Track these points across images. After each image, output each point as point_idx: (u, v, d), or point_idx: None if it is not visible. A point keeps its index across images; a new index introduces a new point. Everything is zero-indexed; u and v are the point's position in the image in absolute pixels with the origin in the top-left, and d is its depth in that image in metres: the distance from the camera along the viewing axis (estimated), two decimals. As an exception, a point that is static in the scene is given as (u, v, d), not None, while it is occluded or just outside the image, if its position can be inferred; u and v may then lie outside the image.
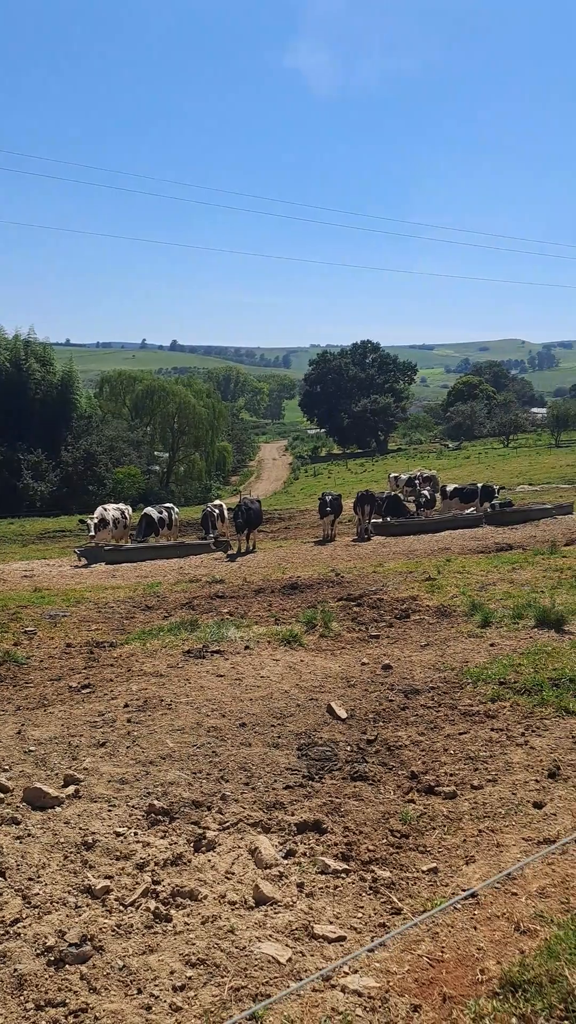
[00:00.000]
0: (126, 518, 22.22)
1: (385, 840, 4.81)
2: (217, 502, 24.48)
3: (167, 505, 23.78)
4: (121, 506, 22.92)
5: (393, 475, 31.75)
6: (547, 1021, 3.02)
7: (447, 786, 5.48)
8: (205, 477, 64.51)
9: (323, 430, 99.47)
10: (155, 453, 62.62)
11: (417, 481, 28.49)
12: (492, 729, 6.48)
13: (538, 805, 5.12)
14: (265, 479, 70.53)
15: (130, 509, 23.46)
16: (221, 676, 8.11)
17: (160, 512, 21.99)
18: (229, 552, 19.74)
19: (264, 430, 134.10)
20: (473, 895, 4.08)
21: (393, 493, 25.65)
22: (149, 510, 22.03)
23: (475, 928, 3.82)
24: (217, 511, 21.98)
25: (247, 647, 9.14)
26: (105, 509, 21.71)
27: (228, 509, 21.83)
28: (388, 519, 22.85)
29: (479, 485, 25.28)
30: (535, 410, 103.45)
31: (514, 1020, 3.06)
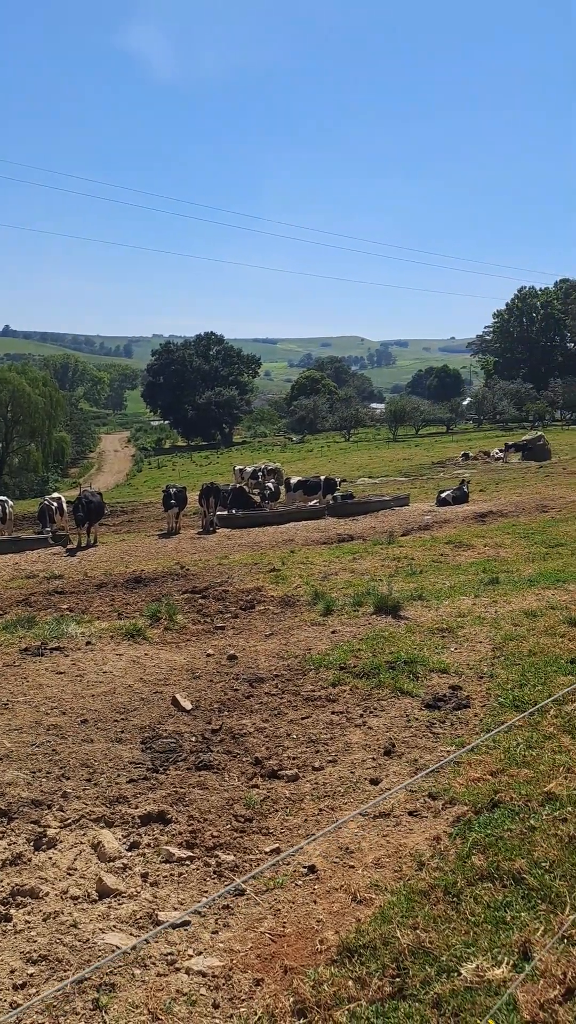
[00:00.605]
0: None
1: (229, 825, 4.91)
2: (55, 495, 23.70)
3: (0, 498, 22.78)
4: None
5: (238, 467, 31.97)
6: (380, 980, 3.22)
7: (290, 769, 5.66)
8: (42, 469, 62.23)
9: (167, 422, 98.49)
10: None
11: (260, 474, 28.86)
12: (333, 712, 6.73)
13: (375, 782, 5.39)
14: (107, 471, 68.99)
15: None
16: (61, 673, 7.93)
17: (-8, 506, 21.05)
18: (69, 547, 19.19)
19: (105, 421, 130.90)
20: (313, 870, 4.25)
21: (239, 485, 25.86)
22: (-20, 504, 21.02)
23: (315, 902, 3.99)
24: (55, 504, 21.29)
25: (89, 643, 8.98)
26: None
27: (68, 502, 21.21)
28: (234, 511, 23.01)
29: (322, 478, 25.90)
30: (374, 405, 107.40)
31: (350, 983, 3.23)
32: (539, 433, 45.11)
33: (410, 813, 4.88)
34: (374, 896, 3.96)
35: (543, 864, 3.98)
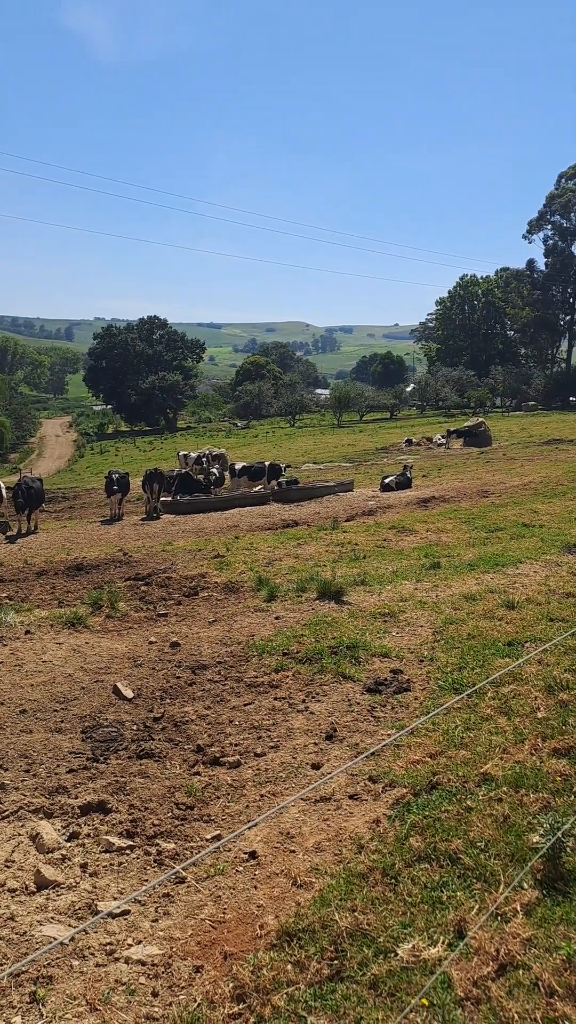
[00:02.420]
0: None
1: (171, 813, 4.90)
2: (-5, 481, 23.21)
3: None
4: None
5: (182, 453, 31.69)
6: (319, 963, 3.26)
7: (232, 756, 5.67)
8: (-20, 455, 60.82)
9: (110, 406, 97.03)
10: None
11: (205, 460, 28.69)
12: (275, 698, 6.75)
13: (316, 766, 5.43)
14: (48, 456, 67.69)
15: None
16: None
17: None
18: (8, 533, 18.82)
19: (46, 405, 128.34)
20: (254, 856, 4.27)
21: (184, 471, 25.67)
22: None
23: (256, 887, 4.01)
24: (-5, 490, 20.85)
25: (28, 632, 8.83)
26: None
27: (7, 488, 20.78)
28: (178, 497, 22.85)
29: (267, 463, 25.90)
30: (319, 391, 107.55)
31: (289, 967, 3.26)
32: (480, 419, 45.79)
33: (351, 797, 4.93)
34: (314, 880, 3.99)
35: (479, 844, 4.06)
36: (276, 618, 9.16)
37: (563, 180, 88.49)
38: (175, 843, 4.54)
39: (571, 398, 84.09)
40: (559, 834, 3.80)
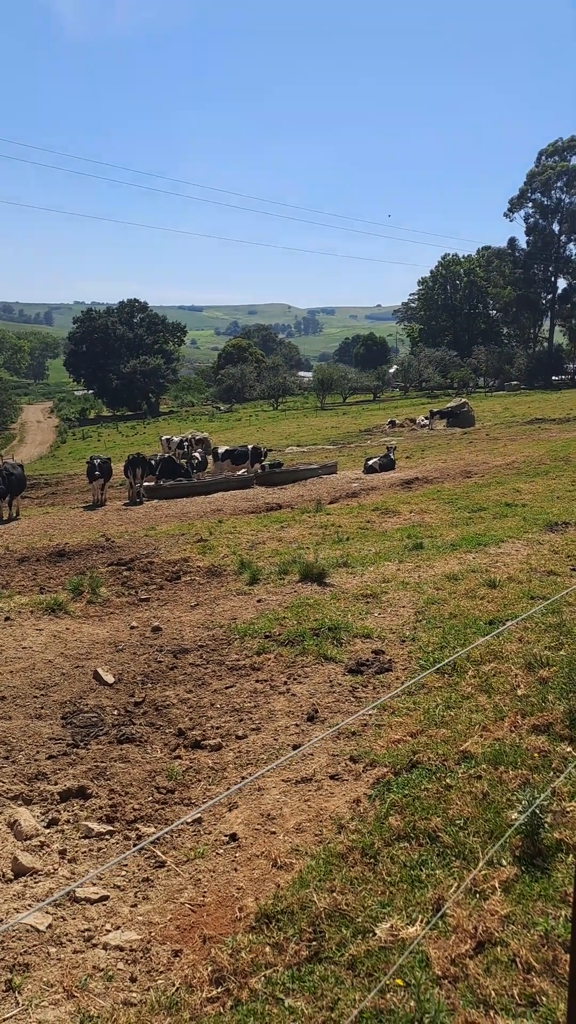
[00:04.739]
0: None
1: (151, 798, 4.88)
2: (-24, 468, 22.98)
3: None
4: None
5: (165, 437, 31.50)
6: (297, 945, 3.25)
7: (213, 739, 5.65)
8: (-39, 441, 60.25)
9: (91, 391, 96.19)
10: None
11: (187, 444, 28.55)
12: (257, 681, 6.74)
13: (297, 747, 5.41)
14: (29, 443, 67.16)
15: None
16: (-20, 650, 7.72)
17: None
18: (-9, 520, 18.70)
19: (27, 391, 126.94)
20: (235, 838, 4.26)
21: (167, 455, 25.55)
22: None
23: (236, 870, 4.00)
24: (-24, 477, 20.65)
25: (7, 618, 8.76)
26: None
27: (-11, 475, 20.59)
28: (162, 482, 22.75)
29: (250, 447, 25.81)
30: (302, 374, 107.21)
31: (267, 949, 3.25)
32: (463, 400, 45.77)
33: (331, 777, 4.93)
34: (294, 861, 3.99)
35: (458, 822, 4.06)
36: (258, 601, 9.13)
37: (543, 158, 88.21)
38: (155, 827, 4.52)
39: (553, 377, 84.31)
40: (535, 809, 3.80)
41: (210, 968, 3.21)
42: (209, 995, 3.07)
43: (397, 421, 44.49)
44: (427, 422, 41.74)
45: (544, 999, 2.89)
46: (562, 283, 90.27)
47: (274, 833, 4.32)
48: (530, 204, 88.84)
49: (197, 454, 26.31)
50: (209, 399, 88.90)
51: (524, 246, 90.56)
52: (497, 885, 3.51)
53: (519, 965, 3.04)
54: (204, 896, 3.78)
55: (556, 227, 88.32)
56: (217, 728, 5.85)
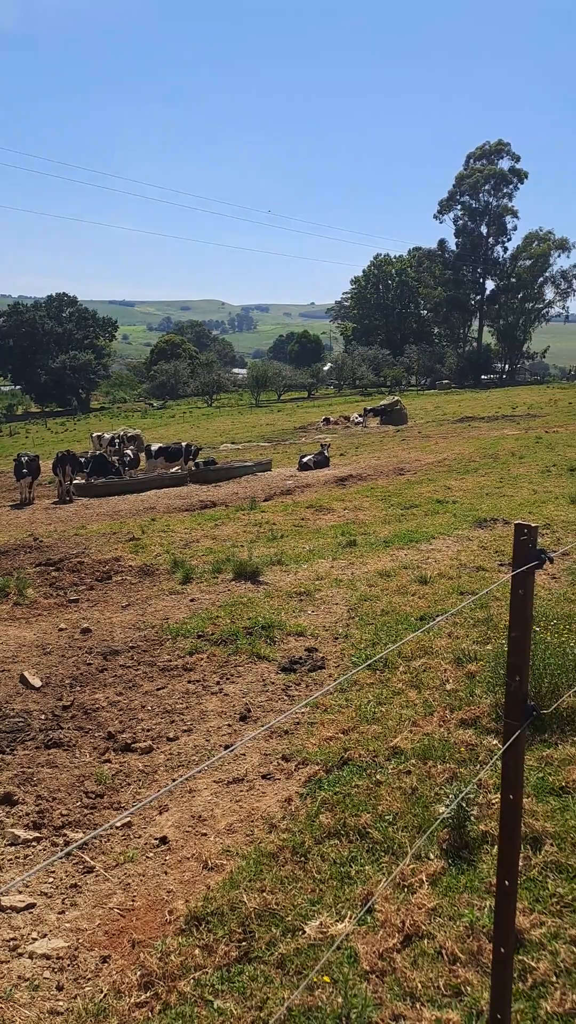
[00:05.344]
0: None
1: (80, 803, 4.80)
2: None
3: None
4: None
5: (96, 434, 30.97)
6: (227, 946, 3.24)
7: (144, 742, 5.59)
8: None
9: (18, 387, 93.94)
10: None
11: (119, 441, 28.16)
12: (189, 681, 6.69)
13: (229, 748, 5.40)
14: (-44, 441, 65.36)
15: None
16: None
17: None
18: None
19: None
20: (165, 841, 4.22)
21: (98, 453, 25.14)
22: None
23: (166, 873, 3.96)
24: None
25: None
26: None
27: None
28: (93, 480, 22.38)
29: (184, 444, 25.60)
30: (236, 371, 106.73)
31: (197, 951, 3.24)
32: (396, 398, 46.31)
33: (264, 777, 4.93)
34: (225, 862, 3.98)
35: (387, 817, 4.12)
36: (191, 600, 9.08)
37: (472, 161, 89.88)
38: (84, 832, 4.45)
39: (483, 376, 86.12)
40: (462, 802, 3.88)
41: (139, 973, 3.18)
42: (138, 1000, 3.04)
43: (331, 418, 44.75)
44: (361, 420, 42.10)
45: (469, 989, 2.95)
46: (490, 284, 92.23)
47: (205, 835, 4.30)
48: (459, 206, 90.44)
49: (129, 451, 25.99)
50: (142, 395, 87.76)
51: (454, 248, 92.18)
52: (425, 879, 3.57)
53: (445, 957, 3.10)
54: (134, 900, 3.74)
55: (484, 229, 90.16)
56: (148, 730, 5.80)
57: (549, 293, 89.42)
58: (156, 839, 4.29)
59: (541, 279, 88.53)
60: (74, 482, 21.36)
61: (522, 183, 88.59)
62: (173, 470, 24.10)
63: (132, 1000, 3.04)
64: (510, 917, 2.58)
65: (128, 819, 4.55)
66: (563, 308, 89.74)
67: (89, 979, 3.22)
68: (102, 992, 3.12)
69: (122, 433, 29.58)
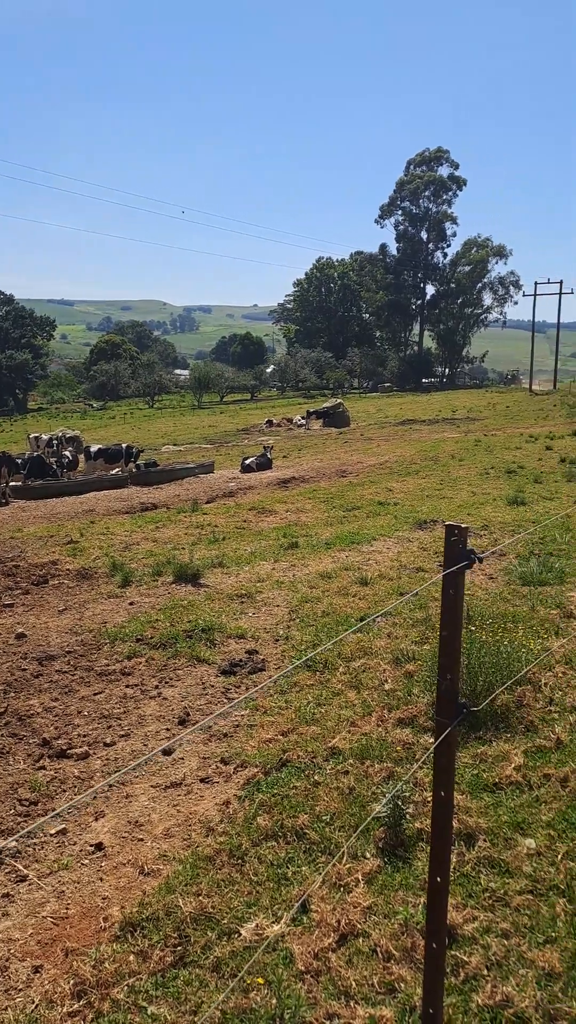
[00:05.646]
0: None
1: (13, 811, 4.70)
2: None
3: None
4: None
5: (33, 435, 30.39)
6: (162, 951, 3.21)
7: (80, 748, 5.51)
8: None
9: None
10: None
11: (57, 442, 27.71)
12: (127, 686, 6.62)
13: (167, 752, 5.36)
14: None
15: None
16: None
17: None
18: None
19: None
20: (101, 847, 4.17)
21: (36, 454, 24.69)
22: None
23: (102, 879, 3.91)
24: None
25: None
26: None
27: None
28: (30, 481, 21.98)
29: (124, 445, 25.34)
30: (178, 372, 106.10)
31: (132, 957, 3.20)
32: (339, 400, 46.66)
33: (202, 780, 4.91)
34: (162, 867, 3.94)
35: (324, 817, 4.14)
36: (130, 604, 8.99)
37: (411, 167, 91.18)
38: (16, 841, 4.36)
39: (423, 380, 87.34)
40: (398, 801, 3.92)
41: (72, 982, 3.13)
42: (70, 1009, 3.00)
43: (274, 421, 44.83)
44: (304, 422, 42.28)
45: (403, 985, 2.98)
46: (430, 289, 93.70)
47: (142, 840, 4.26)
48: (400, 212, 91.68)
49: (68, 453, 25.60)
50: (81, 396, 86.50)
51: (395, 252, 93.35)
52: (360, 877, 3.60)
53: (380, 954, 3.13)
54: (68, 908, 3.68)
55: (424, 235, 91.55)
56: (84, 736, 5.71)
57: (487, 299, 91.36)
58: (92, 846, 4.23)
59: (480, 285, 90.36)
60: (10, 484, 20.95)
61: (461, 190, 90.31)
62: (113, 472, 23.83)
63: (64, 1010, 2.99)
64: (442, 913, 2.62)
65: (64, 826, 4.48)
66: (501, 314, 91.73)
67: (21, 990, 3.16)
68: (33, 1003, 3.06)
69: (60, 434, 29.12)
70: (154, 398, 76.80)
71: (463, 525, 2.52)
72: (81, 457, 25.81)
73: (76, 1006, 3.00)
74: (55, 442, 27.58)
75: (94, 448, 25.66)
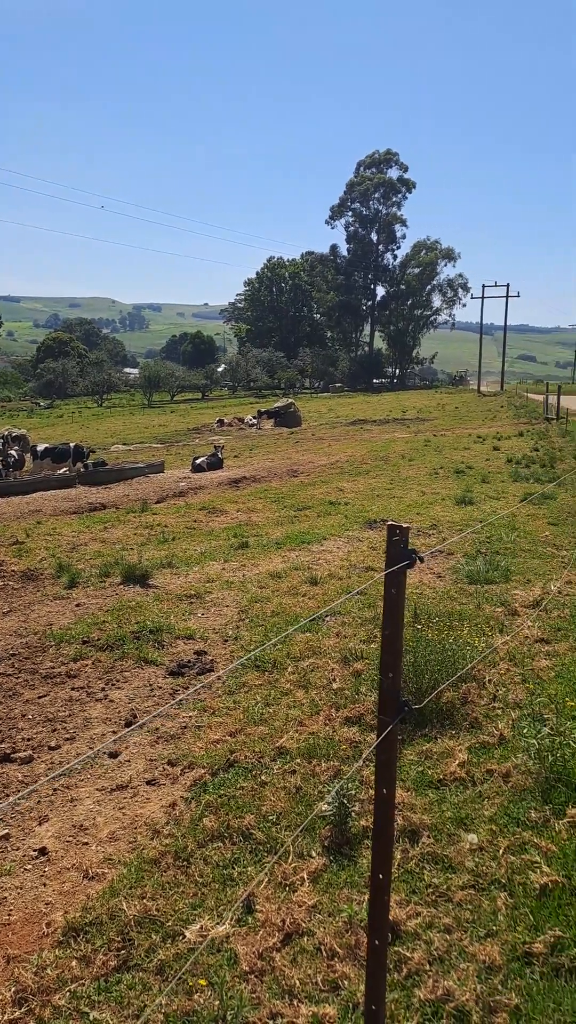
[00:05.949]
0: None
1: (-46, 817, 4.61)
2: None
3: None
4: None
5: (-21, 434, 29.88)
6: (105, 956, 3.18)
7: (23, 751, 5.42)
8: None
9: None
10: None
11: (1, 441, 27.21)
12: (73, 688, 6.54)
13: (114, 755, 5.31)
14: None
15: None
16: None
17: None
18: None
19: None
20: (44, 852, 4.11)
21: (-20, 454, 24.20)
22: None
23: (45, 884, 3.86)
24: None
25: None
26: None
27: None
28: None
29: (72, 445, 25.00)
30: (128, 370, 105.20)
31: (74, 963, 3.16)
32: (290, 400, 46.73)
33: (148, 782, 4.87)
34: (106, 871, 3.90)
35: (271, 817, 4.14)
36: (77, 605, 8.87)
37: (362, 168, 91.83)
38: (-42, 849, 4.27)
39: (374, 380, 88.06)
40: (343, 799, 3.95)
41: (13, 989, 3.08)
42: (11, 1017, 2.95)
43: (226, 420, 44.71)
44: (255, 421, 42.26)
45: (346, 983, 3.00)
46: (381, 291, 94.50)
47: (87, 844, 4.21)
48: (350, 213, 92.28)
49: (14, 452, 25.13)
50: (28, 394, 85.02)
51: (345, 253, 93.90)
52: (306, 876, 3.61)
53: (324, 952, 3.14)
54: (9, 915, 3.62)
55: (374, 236, 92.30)
56: (28, 740, 5.62)
57: (437, 301, 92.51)
58: (35, 850, 4.17)
59: (429, 287, 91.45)
60: (-45, 484, 20.51)
61: (410, 192, 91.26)
62: (61, 471, 23.49)
63: (4, 1017, 2.94)
64: (384, 910, 2.64)
65: (7, 832, 4.40)
66: (450, 316, 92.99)
67: (-41, 1000, 3.10)
68: (-27, 1013, 3.01)
69: (6, 433, 28.59)
70: (103, 397, 75.97)
71: (405, 525, 2.55)
72: (28, 456, 25.38)
73: (17, 1014, 2.95)
74: (1, 441, 27.08)
75: (41, 447, 25.26)
